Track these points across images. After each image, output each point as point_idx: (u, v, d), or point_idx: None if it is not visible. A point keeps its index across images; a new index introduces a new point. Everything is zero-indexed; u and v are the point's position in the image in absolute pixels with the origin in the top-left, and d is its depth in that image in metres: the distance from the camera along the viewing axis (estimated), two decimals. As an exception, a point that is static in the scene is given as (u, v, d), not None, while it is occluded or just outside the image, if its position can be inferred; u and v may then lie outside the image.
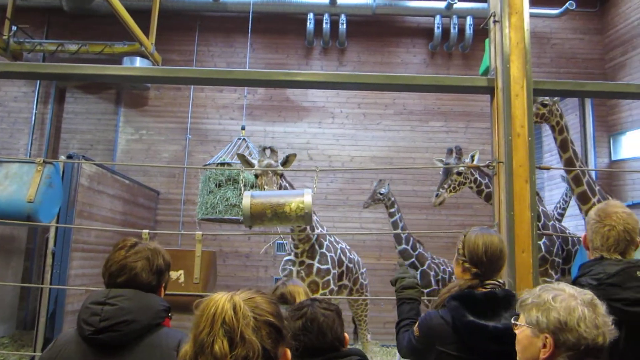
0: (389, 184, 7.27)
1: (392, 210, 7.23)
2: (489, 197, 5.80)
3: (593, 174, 10.31)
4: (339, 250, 5.80)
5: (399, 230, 7.09)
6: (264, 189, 4.74)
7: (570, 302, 1.61)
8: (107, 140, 11.01)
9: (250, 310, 1.19)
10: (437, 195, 5.90)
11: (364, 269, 6.80)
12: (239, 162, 7.74)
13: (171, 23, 10.99)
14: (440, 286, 7.26)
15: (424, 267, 6.97)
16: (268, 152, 5.06)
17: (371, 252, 10.38)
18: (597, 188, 5.39)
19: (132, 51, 10.03)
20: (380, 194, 7.18)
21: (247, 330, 1.15)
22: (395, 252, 10.26)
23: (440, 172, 6.10)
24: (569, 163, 5.30)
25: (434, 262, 7.21)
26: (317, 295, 2.15)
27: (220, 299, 1.19)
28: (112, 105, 11.19)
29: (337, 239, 5.99)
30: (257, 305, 1.22)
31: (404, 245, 6.99)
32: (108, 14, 8.85)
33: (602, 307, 1.62)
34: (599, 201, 5.17)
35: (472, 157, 5.63)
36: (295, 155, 5.08)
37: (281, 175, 4.99)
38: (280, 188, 4.92)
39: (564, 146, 5.29)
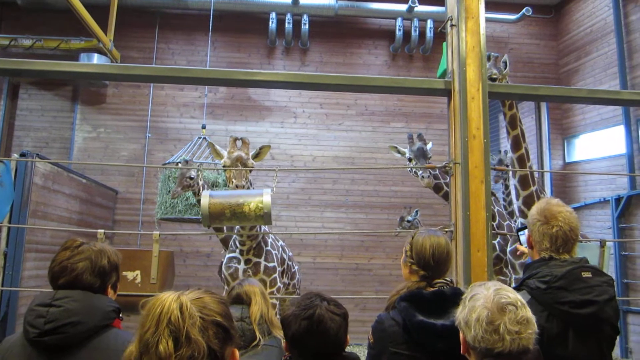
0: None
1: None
2: (438, 190, 5.80)
3: (548, 175, 10.64)
4: (280, 248, 5.74)
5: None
6: (232, 182, 4.63)
7: (477, 302, 1.65)
8: (63, 138, 10.72)
9: (197, 310, 1.19)
10: (423, 177, 5.89)
11: (297, 266, 6.76)
12: (199, 161, 7.68)
13: (130, 19, 10.78)
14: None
15: None
16: (239, 143, 4.93)
17: (333, 252, 10.44)
18: (535, 177, 5.39)
19: (90, 47, 9.79)
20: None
21: (193, 330, 1.15)
22: (356, 252, 10.37)
23: (413, 156, 5.97)
24: (515, 140, 5.19)
25: None
26: (326, 295, 2.07)
27: (167, 299, 1.18)
28: (69, 103, 10.89)
29: (276, 237, 5.91)
30: (205, 305, 1.22)
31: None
32: (64, 8, 8.60)
33: (516, 315, 1.61)
34: (537, 191, 5.21)
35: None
36: (269, 146, 4.97)
37: (250, 170, 4.85)
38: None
39: (512, 123, 5.19)
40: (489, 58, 5.04)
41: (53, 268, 1.95)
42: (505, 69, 5.03)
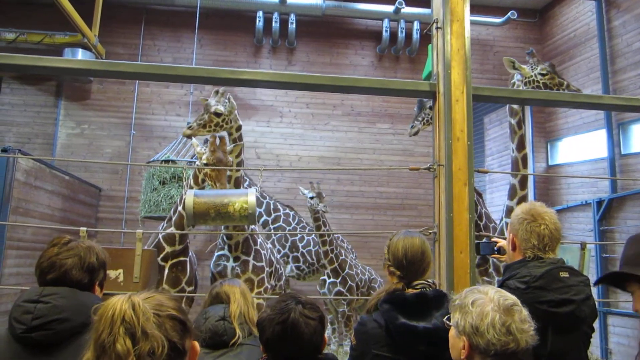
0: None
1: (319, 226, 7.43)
2: None
3: (531, 178, 10.74)
4: (269, 250, 5.69)
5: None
6: (216, 184, 4.60)
7: (485, 307, 1.67)
8: (46, 134, 10.59)
9: (150, 307, 1.19)
10: (412, 127, 5.94)
11: (283, 268, 6.78)
12: (184, 159, 7.64)
13: (116, 15, 10.69)
14: None
15: None
16: (217, 141, 4.92)
17: (317, 252, 10.42)
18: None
19: (74, 42, 9.68)
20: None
21: (148, 324, 1.15)
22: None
23: (415, 108, 6.12)
24: (521, 140, 5.29)
25: None
26: (302, 297, 2.04)
27: (118, 301, 1.18)
28: (52, 98, 10.76)
29: (264, 238, 5.86)
30: (158, 302, 1.22)
31: None
32: (49, 2, 8.50)
33: (521, 313, 1.67)
34: (526, 194, 5.33)
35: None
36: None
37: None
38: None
39: (519, 124, 5.31)
40: (531, 55, 5.18)
41: (41, 264, 1.94)
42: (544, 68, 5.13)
